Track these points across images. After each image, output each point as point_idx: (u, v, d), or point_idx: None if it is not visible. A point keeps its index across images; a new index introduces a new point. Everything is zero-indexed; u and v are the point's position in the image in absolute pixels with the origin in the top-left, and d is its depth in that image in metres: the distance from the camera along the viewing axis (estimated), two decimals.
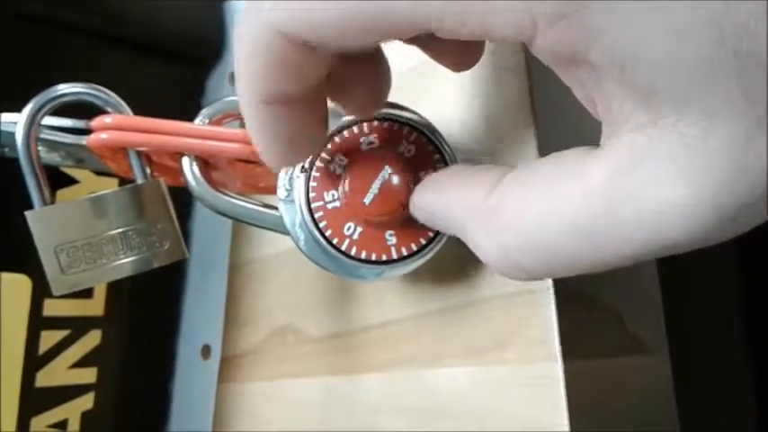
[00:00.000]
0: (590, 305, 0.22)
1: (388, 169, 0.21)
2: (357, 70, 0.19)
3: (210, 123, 0.24)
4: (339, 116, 0.22)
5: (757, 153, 0.12)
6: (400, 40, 0.16)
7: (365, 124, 0.22)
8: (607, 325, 0.22)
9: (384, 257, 0.21)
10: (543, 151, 0.22)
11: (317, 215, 0.22)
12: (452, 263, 0.24)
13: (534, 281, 0.17)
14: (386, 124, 0.22)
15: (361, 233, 0.22)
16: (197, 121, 0.24)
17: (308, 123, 0.19)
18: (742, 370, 0.37)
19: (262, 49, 0.16)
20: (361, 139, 0.22)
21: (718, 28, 0.12)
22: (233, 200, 0.23)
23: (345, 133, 0.22)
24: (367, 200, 0.21)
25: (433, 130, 0.22)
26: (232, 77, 0.39)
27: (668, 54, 0.12)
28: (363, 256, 0.21)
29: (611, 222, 0.14)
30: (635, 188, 0.13)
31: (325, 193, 0.22)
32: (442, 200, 0.19)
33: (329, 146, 0.22)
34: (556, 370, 0.20)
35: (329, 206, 0.22)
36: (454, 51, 0.20)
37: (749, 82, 0.12)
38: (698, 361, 0.32)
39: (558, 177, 0.15)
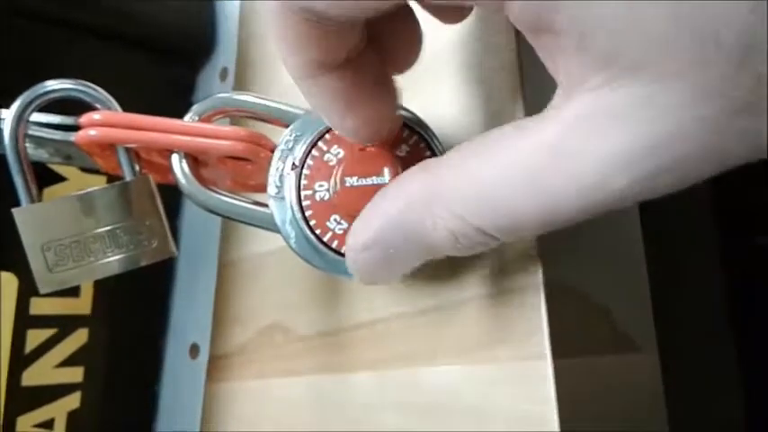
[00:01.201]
0: (579, 303, 0.22)
1: (385, 171, 0.21)
2: (388, 30, 0.20)
3: (201, 120, 0.24)
4: None
5: (699, 116, 0.13)
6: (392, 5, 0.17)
7: None
8: (597, 323, 0.22)
9: None
10: None
11: (307, 212, 0.22)
12: (442, 261, 0.24)
13: (495, 243, 0.17)
14: None
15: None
16: (187, 117, 0.24)
17: (359, 89, 0.19)
18: (731, 368, 0.37)
19: (281, 25, 0.17)
20: None
21: (674, 4, 0.13)
22: (223, 197, 0.23)
23: None
24: (355, 193, 0.21)
25: (425, 127, 0.22)
26: (223, 74, 0.39)
27: (626, 24, 0.13)
28: None
29: (562, 173, 0.15)
30: (584, 140, 0.15)
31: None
32: (385, 216, 0.18)
33: (327, 136, 0.22)
34: (545, 368, 0.20)
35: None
36: (445, 8, 0.20)
37: (702, 57, 0.13)
38: (687, 359, 0.32)
39: (503, 141, 0.16)
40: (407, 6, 0.20)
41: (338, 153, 0.22)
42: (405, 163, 0.21)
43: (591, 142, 0.14)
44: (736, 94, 0.13)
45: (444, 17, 0.21)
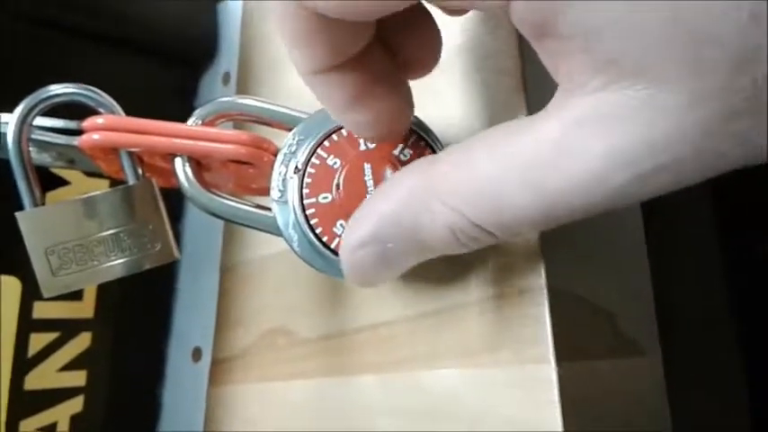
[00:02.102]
0: (583, 306, 0.22)
1: (388, 171, 0.21)
2: (405, 31, 0.20)
3: (203, 124, 0.24)
4: None
5: (694, 119, 0.14)
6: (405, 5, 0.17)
7: None
8: (600, 326, 0.22)
9: None
10: None
11: (309, 216, 0.22)
12: (445, 264, 0.24)
13: (492, 240, 0.17)
14: None
15: None
16: (190, 121, 0.24)
17: (366, 86, 0.19)
18: (734, 371, 0.37)
19: (290, 22, 0.17)
20: (360, 139, 0.22)
21: (675, 7, 0.13)
22: (225, 201, 0.23)
23: (343, 132, 0.22)
24: (358, 197, 0.21)
25: (427, 130, 0.22)
26: (225, 78, 0.39)
27: (629, 28, 0.14)
28: None
29: (562, 170, 0.15)
30: (583, 140, 0.15)
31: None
32: (382, 212, 0.18)
33: (329, 140, 0.22)
34: (549, 371, 0.20)
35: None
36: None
37: (701, 59, 0.13)
38: (690, 362, 0.32)
39: (504, 138, 0.16)
40: (426, 13, 0.20)
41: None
42: (405, 164, 0.21)
43: (591, 141, 0.15)
44: (733, 98, 0.13)
45: (449, 10, 0.21)
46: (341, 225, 0.22)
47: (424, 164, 0.18)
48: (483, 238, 0.17)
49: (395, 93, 0.20)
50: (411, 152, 0.22)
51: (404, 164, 0.21)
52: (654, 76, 0.14)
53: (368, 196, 0.20)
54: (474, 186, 0.17)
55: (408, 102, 0.21)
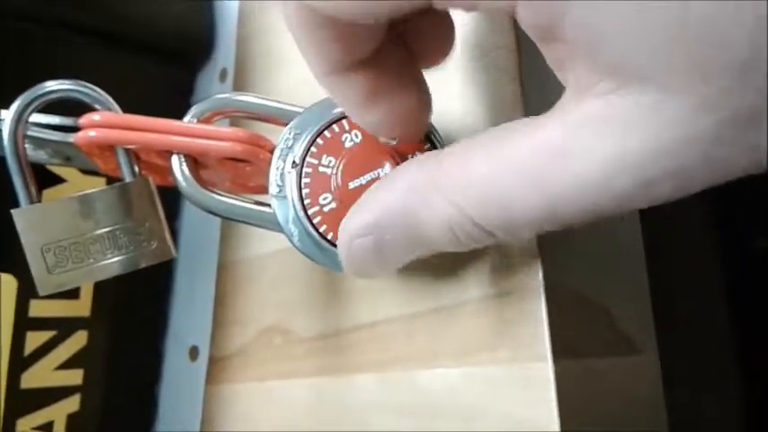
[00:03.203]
0: (580, 304, 0.22)
1: (386, 167, 0.21)
2: (420, 21, 0.20)
3: (200, 122, 0.24)
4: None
5: (703, 127, 0.14)
6: (404, 15, 0.17)
7: None
8: (597, 324, 0.22)
9: None
10: None
11: (309, 210, 0.22)
12: (443, 262, 0.24)
13: (490, 240, 0.17)
14: None
15: None
16: (186, 119, 0.24)
17: (380, 84, 0.19)
18: (731, 369, 0.37)
19: (304, 28, 0.17)
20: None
21: (684, 11, 0.13)
22: (222, 198, 0.23)
23: (342, 124, 0.22)
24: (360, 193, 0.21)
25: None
26: (222, 75, 0.39)
27: (634, 35, 0.13)
28: None
29: (565, 172, 0.15)
30: (590, 141, 0.15)
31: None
32: (382, 202, 0.19)
33: (321, 137, 0.22)
34: (546, 370, 0.20)
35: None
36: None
37: (709, 63, 0.13)
38: (687, 360, 0.32)
39: (510, 136, 0.16)
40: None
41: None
42: (404, 156, 0.21)
43: (597, 144, 0.15)
44: (737, 106, 0.13)
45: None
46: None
47: (427, 158, 0.18)
48: (482, 238, 0.17)
49: (411, 90, 0.20)
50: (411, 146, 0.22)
51: (401, 154, 0.21)
52: (660, 82, 0.14)
53: (370, 187, 0.20)
54: (476, 184, 0.17)
55: (426, 101, 0.21)
